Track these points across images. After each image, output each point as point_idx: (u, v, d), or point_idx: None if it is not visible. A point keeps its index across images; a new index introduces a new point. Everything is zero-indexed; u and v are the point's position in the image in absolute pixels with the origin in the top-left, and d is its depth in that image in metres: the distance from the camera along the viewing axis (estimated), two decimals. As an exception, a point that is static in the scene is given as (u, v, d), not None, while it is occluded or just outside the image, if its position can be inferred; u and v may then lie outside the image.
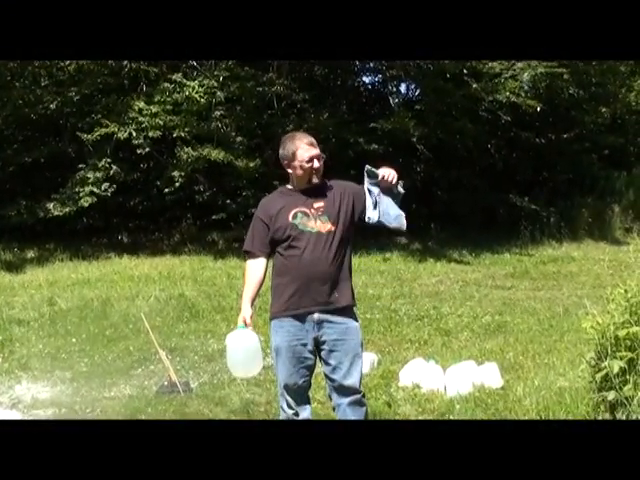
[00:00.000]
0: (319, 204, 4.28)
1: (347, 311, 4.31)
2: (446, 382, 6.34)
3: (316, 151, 4.30)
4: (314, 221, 4.24)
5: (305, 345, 4.26)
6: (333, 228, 4.24)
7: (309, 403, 4.46)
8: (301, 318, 4.25)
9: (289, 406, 4.36)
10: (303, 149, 4.30)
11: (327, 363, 4.31)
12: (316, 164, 4.28)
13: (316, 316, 4.23)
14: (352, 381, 4.28)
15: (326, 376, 4.37)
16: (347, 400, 4.28)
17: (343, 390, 4.29)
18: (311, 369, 4.37)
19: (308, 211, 4.27)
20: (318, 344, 4.28)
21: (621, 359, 4.74)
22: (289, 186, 4.45)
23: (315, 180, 4.32)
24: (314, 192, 4.33)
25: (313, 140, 4.35)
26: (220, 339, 8.12)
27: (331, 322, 4.24)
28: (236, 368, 4.48)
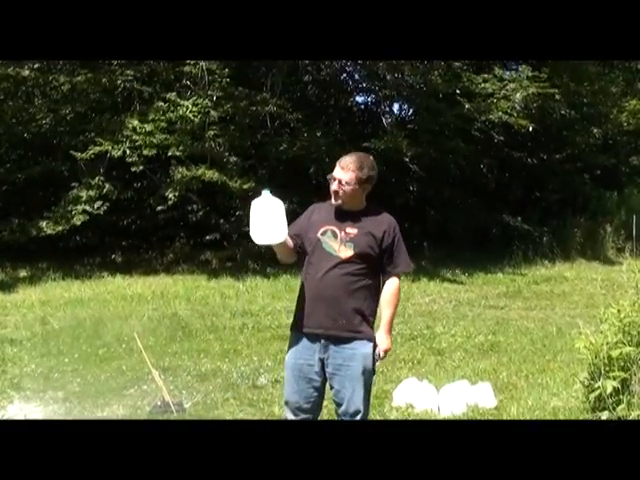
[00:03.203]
0: (352, 230, 4.25)
1: (354, 339, 4.23)
2: (439, 402, 6.33)
3: (342, 174, 4.23)
4: (339, 244, 4.22)
5: (312, 366, 4.26)
6: (354, 258, 4.20)
7: None
8: (310, 338, 4.26)
9: None
10: (336, 168, 4.29)
11: (331, 386, 4.32)
12: (334, 186, 4.25)
13: (322, 338, 4.23)
14: (355, 408, 4.24)
15: (333, 399, 4.38)
16: None
17: (347, 416, 4.26)
18: (320, 391, 4.34)
19: (338, 232, 4.25)
20: (324, 366, 4.27)
21: (614, 379, 4.76)
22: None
23: (332, 202, 4.29)
24: (354, 216, 4.30)
25: (353, 166, 4.25)
26: (213, 359, 8.11)
27: (337, 346, 4.22)
28: (254, 233, 4.23)
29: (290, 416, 4.36)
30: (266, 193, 4.21)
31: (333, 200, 4.30)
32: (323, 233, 4.27)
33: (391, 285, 4.36)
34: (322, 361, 4.25)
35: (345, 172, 4.25)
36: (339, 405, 4.30)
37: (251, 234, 4.24)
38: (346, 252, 4.21)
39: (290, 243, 4.33)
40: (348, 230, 4.25)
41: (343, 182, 4.23)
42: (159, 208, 14.32)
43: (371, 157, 4.46)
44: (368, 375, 4.29)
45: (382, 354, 4.27)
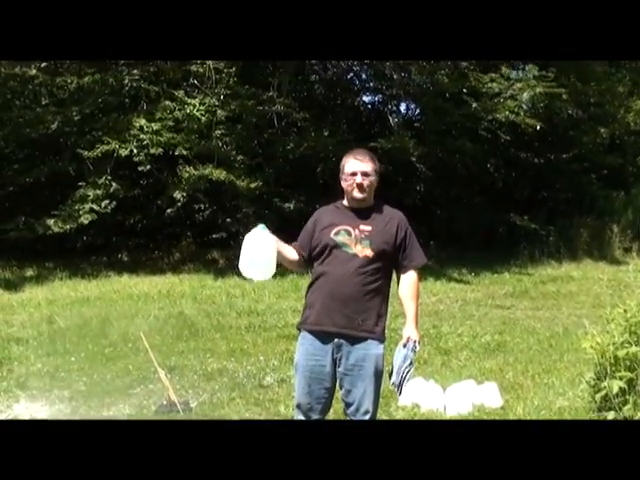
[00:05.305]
0: (366, 227, 4.20)
1: (368, 339, 4.20)
2: (446, 402, 6.32)
3: (363, 166, 4.22)
4: (354, 243, 4.17)
5: (324, 366, 4.21)
6: (370, 255, 4.16)
7: None
8: (321, 337, 4.20)
9: None
10: (351, 163, 4.25)
11: (341, 386, 4.28)
12: (358, 179, 4.20)
13: (335, 338, 4.18)
14: (365, 409, 4.21)
15: (342, 399, 4.34)
16: None
17: (356, 416, 4.23)
18: (330, 392, 4.29)
19: (352, 231, 4.19)
20: (336, 366, 4.23)
21: (621, 379, 4.75)
22: (345, 202, 4.36)
23: (358, 196, 4.24)
24: (365, 213, 4.27)
25: (368, 157, 4.28)
26: (220, 358, 8.12)
27: (350, 346, 4.18)
28: (243, 265, 4.17)
29: (301, 418, 4.32)
30: (261, 228, 4.17)
31: (358, 194, 4.23)
32: (336, 233, 4.21)
33: (410, 278, 4.35)
34: (335, 361, 4.21)
35: (365, 163, 4.24)
36: (348, 405, 4.27)
37: (240, 266, 4.18)
38: (363, 251, 4.16)
39: (294, 257, 4.33)
40: (362, 227, 4.21)
41: (369, 172, 4.23)
42: (168, 210, 14.33)
43: None
44: (379, 376, 4.26)
45: (418, 346, 4.23)
